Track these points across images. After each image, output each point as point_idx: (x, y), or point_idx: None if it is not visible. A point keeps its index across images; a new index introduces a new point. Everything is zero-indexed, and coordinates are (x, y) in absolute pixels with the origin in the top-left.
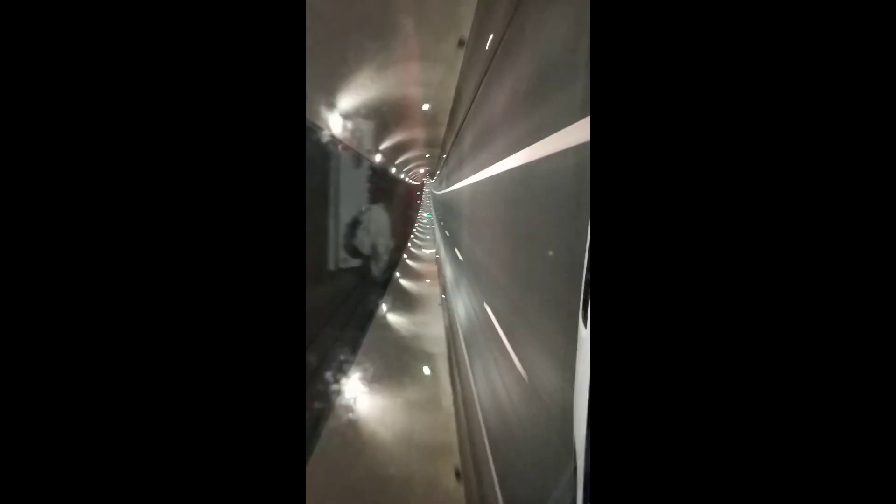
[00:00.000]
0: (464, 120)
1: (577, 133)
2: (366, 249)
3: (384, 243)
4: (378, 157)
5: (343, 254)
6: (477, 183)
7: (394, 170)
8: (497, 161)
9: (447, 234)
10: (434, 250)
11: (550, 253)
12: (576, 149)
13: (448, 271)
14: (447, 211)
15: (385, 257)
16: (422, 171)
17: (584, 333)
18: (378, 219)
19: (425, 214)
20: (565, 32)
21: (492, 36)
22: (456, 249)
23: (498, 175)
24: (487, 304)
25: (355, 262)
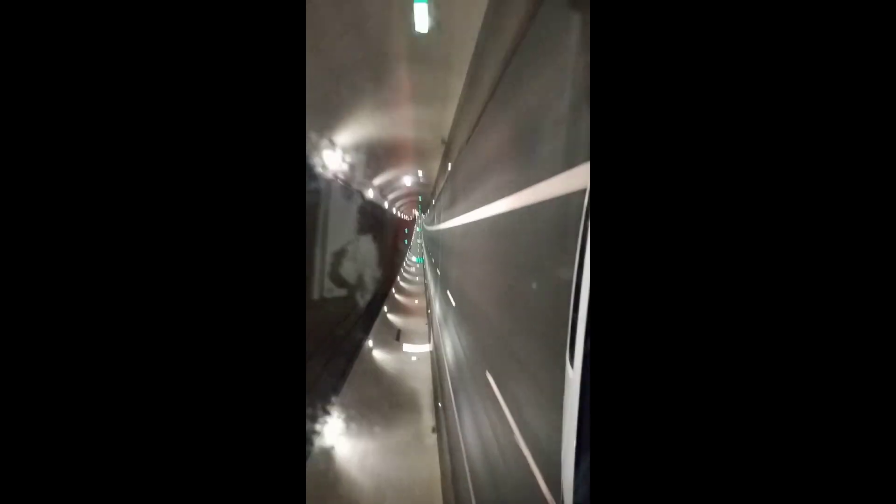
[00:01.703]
0: (456, 162)
1: (562, 184)
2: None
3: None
4: (371, 193)
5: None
6: (472, 223)
7: (386, 204)
8: (489, 203)
9: (438, 272)
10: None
11: (535, 288)
12: (563, 198)
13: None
14: (444, 252)
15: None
16: (413, 207)
17: (571, 374)
18: (367, 253)
19: (414, 259)
20: (554, 90)
21: (487, 85)
22: (448, 293)
23: (491, 217)
24: (489, 371)
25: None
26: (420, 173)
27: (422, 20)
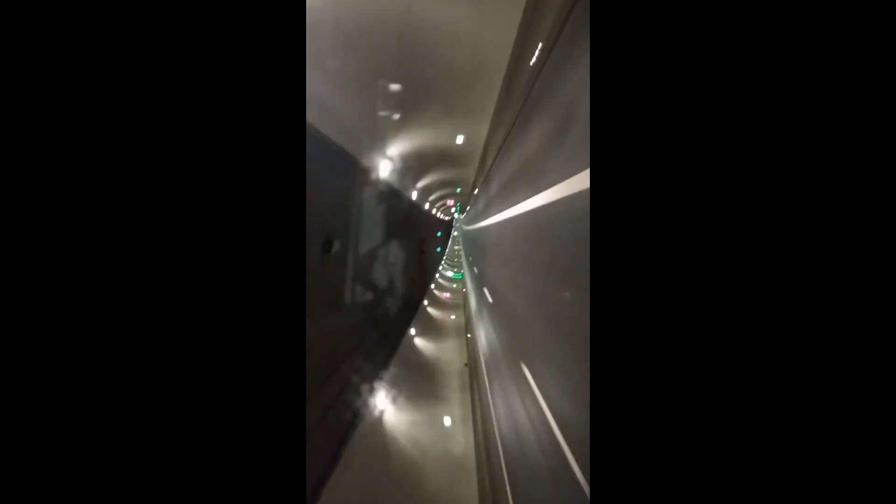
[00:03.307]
0: (492, 164)
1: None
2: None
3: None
4: (415, 195)
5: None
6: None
7: (426, 205)
8: (533, 196)
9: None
10: None
11: (567, 293)
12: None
13: None
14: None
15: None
16: (451, 205)
17: None
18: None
19: (450, 274)
20: (582, 92)
21: (522, 85)
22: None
23: (537, 208)
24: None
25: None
26: (459, 176)
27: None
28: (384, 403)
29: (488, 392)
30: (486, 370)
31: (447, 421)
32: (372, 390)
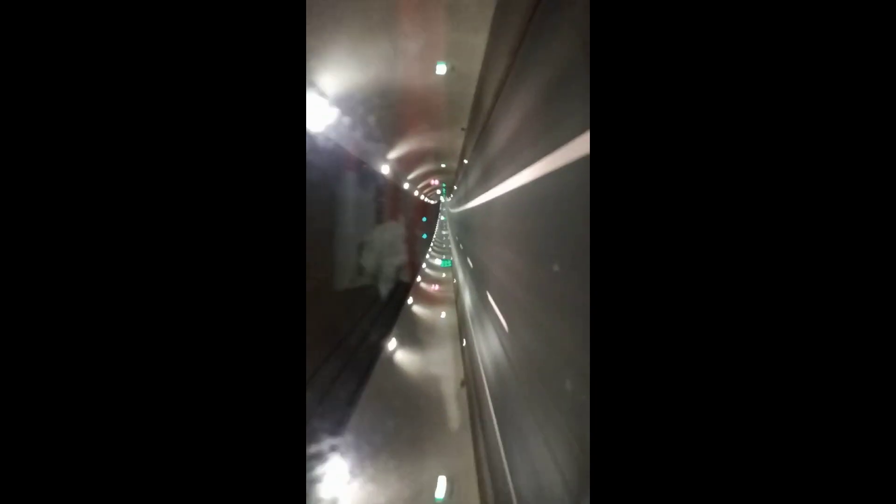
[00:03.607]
0: (495, 103)
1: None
2: None
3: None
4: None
5: None
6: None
7: (406, 185)
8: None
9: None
10: None
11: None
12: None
13: None
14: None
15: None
16: (435, 185)
17: None
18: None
19: (439, 262)
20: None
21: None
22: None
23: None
24: None
25: None
26: (441, 137)
27: None
28: (343, 477)
29: (498, 436)
30: (495, 410)
31: (441, 488)
32: (327, 457)
